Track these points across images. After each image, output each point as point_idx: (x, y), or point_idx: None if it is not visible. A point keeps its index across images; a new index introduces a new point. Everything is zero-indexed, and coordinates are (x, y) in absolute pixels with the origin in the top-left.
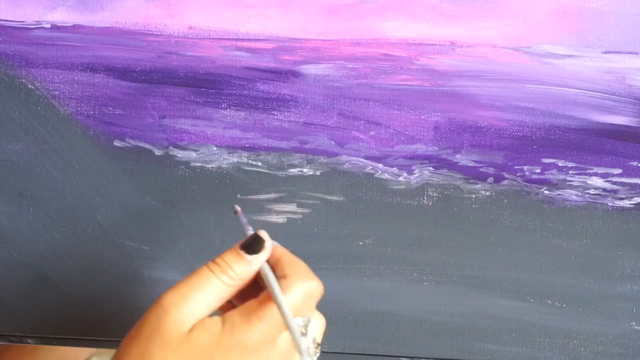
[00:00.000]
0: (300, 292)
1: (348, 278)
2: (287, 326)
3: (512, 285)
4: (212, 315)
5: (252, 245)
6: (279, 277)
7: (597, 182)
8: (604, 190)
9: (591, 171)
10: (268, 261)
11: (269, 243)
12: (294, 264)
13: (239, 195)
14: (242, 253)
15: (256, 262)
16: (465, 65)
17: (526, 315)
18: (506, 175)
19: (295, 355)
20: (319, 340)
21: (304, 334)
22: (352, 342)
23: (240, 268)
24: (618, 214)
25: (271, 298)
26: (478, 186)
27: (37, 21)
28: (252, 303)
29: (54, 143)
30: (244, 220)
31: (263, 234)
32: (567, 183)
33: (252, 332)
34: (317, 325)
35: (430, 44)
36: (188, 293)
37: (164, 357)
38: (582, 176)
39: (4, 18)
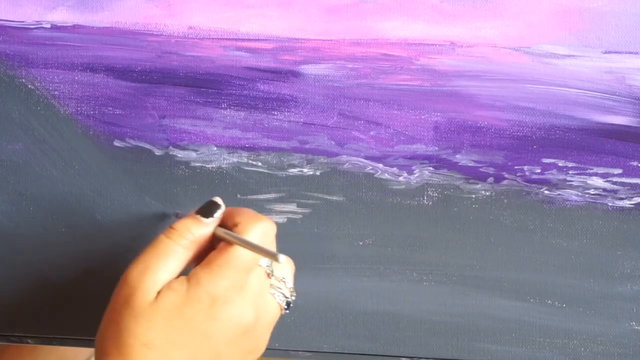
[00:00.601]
0: (255, 232)
1: (348, 278)
2: (251, 247)
3: (512, 285)
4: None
5: (209, 209)
6: (230, 226)
7: (597, 182)
8: (604, 190)
9: (591, 171)
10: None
11: (223, 207)
12: (241, 212)
13: (239, 195)
14: (199, 217)
15: (212, 223)
16: (465, 65)
17: (526, 315)
18: (506, 175)
19: (267, 295)
20: (290, 281)
21: (270, 275)
22: (352, 342)
23: (197, 230)
24: (618, 214)
25: (229, 245)
26: (478, 186)
27: (37, 21)
28: (212, 254)
29: (54, 143)
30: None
31: (217, 199)
32: (567, 183)
33: (217, 280)
34: (284, 267)
35: (430, 44)
36: (150, 263)
37: (137, 326)
38: (582, 176)
39: (4, 18)
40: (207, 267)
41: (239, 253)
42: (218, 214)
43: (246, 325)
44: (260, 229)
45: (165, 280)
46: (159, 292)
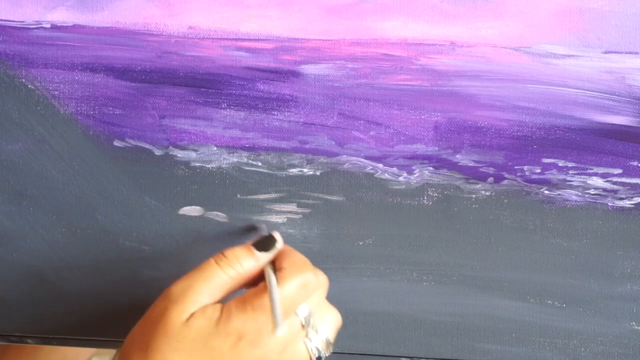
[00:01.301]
0: (294, 282)
1: (348, 278)
2: (272, 309)
3: (512, 285)
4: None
5: (265, 244)
6: (276, 269)
7: (597, 182)
8: (604, 190)
9: (591, 171)
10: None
11: (279, 244)
12: (291, 257)
13: (239, 195)
14: (253, 249)
15: (263, 258)
16: (465, 65)
17: (526, 315)
18: (506, 175)
19: (299, 342)
20: (330, 337)
21: (305, 326)
22: (352, 342)
23: (247, 262)
24: (618, 214)
25: (266, 290)
26: (478, 186)
27: (37, 21)
28: (249, 292)
29: (54, 143)
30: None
31: (277, 235)
32: (567, 183)
33: (247, 320)
34: (326, 320)
35: (430, 44)
36: (192, 284)
37: (165, 343)
38: (582, 176)
39: (4, 18)
40: (242, 304)
41: (289, 301)
42: (272, 252)
43: None
44: (300, 282)
45: (202, 302)
46: (192, 314)
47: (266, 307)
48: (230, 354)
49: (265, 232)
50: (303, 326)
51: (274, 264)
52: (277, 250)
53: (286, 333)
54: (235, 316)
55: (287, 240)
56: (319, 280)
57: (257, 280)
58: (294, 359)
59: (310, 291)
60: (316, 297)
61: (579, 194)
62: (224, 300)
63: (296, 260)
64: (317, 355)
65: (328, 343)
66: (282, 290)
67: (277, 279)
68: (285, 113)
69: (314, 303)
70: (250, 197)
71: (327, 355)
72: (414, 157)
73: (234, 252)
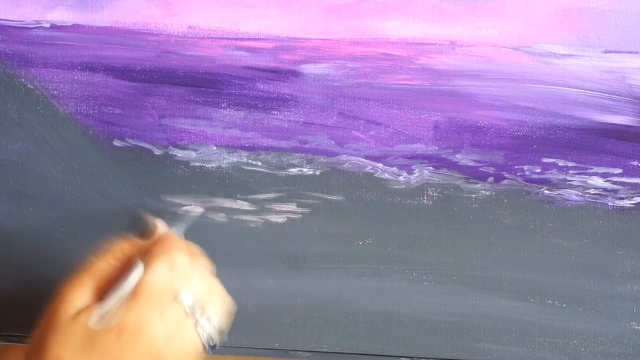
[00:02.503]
0: (159, 266)
1: (348, 278)
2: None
3: (512, 285)
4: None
5: (140, 229)
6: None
7: (598, 182)
8: (605, 190)
9: (591, 171)
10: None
11: (157, 228)
12: (164, 240)
13: (239, 195)
14: (132, 237)
15: (140, 244)
16: (465, 65)
17: (526, 315)
18: (506, 175)
19: (189, 328)
20: (222, 325)
21: (191, 314)
22: (352, 342)
23: (125, 249)
24: (618, 214)
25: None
26: (478, 186)
27: (36, 21)
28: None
29: (54, 143)
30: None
31: (156, 221)
32: (568, 183)
33: (128, 314)
34: (217, 308)
35: (430, 43)
36: (78, 279)
37: (54, 339)
38: (582, 176)
39: (3, 18)
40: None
41: (148, 289)
42: (147, 235)
43: (156, 353)
44: (165, 264)
45: (89, 299)
46: (79, 312)
47: (141, 297)
48: (116, 347)
49: (150, 222)
50: (187, 314)
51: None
52: (154, 235)
53: (169, 321)
54: None
55: (287, 240)
56: (192, 262)
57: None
58: (184, 348)
59: (181, 272)
60: (202, 283)
61: (580, 194)
62: None
63: (167, 244)
64: (211, 345)
65: (221, 331)
66: (149, 277)
67: (146, 265)
68: (285, 113)
69: (201, 289)
70: (250, 197)
71: (220, 344)
72: (414, 157)
73: (120, 245)
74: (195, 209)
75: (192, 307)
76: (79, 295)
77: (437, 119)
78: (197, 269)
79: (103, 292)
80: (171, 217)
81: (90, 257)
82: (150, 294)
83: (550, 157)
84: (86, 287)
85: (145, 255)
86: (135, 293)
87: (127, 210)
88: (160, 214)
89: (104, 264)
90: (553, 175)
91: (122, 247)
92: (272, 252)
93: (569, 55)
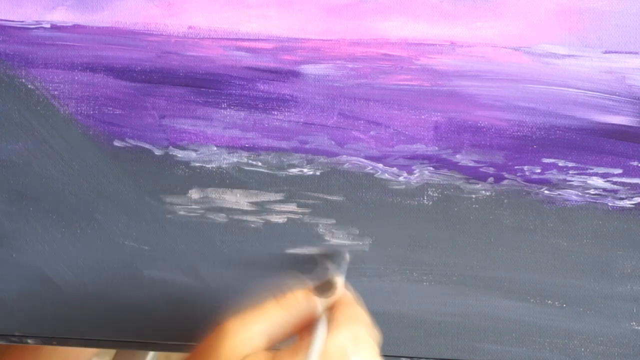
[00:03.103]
0: (344, 335)
1: (348, 278)
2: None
3: (512, 285)
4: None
5: (325, 289)
6: (330, 319)
7: (598, 182)
8: (604, 190)
9: (591, 171)
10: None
11: (340, 291)
12: (348, 307)
13: (238, 195)
14: (312, 294)
15: (321, 306)
16: (465, 65)
17: (526, 315)
18: (506, 175)
19: None
20: None
21: None
22: None
23: (305, 307)
24: (618, 214)
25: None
26: (478, 186)
27: (37, 21)
28: (301, 343)
29: (54, 143)
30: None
31: (338, 280)
32: (567, 183)
33: None
34: None
35: (430, 44)
36: (249, 323)
37: None
38: (582, 176)
39: (4, 18)
40: (293, 353)
41: (327, 351)
42: (330, 298)
43: None
44: (351, 335)
45: (259, 343)
46: (246, 357)
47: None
48: None
49: (329, 274)
50: None
51: (330, 311)
52: (335, 297)
53: None
54: None
55: (287, 240)
56: (370, 337)
57: (312, 326)
58: None
59: (361, 347)
60: (368, 354)
61: (579, 194)
62: (277, 345)
63: (352, 312)
64: None
65: None
66: (330, 341)
67: (328, 328)
68: (285, 113)
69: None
70: (250, 197)
71: None
72: (414, 157)
73: (295, 293)
74: (347, 254)
75: None
76: (246, 335)
77: (437, 119)
78: (370, 343)
79: (272, 339)
80: (337, 262)
81: (260, 296)
82: (325, 357)
83: (550, 157)
84: (255, 328)
85: (327, 316)
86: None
87: (127, 209)
88: (329, 256)
89: (276, 308)
90: (553, 175)
91: (297, 296)
92: (272, 252)
93: (569, 56)
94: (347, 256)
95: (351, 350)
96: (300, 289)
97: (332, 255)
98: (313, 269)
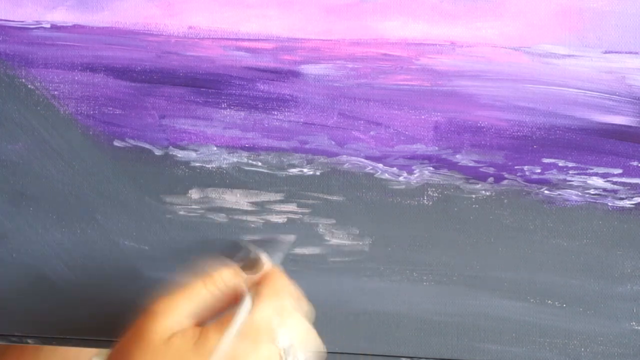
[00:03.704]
0: (267, 308)
1: (348, 278)
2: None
3: (512, 285)
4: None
5: (251, 265)
6: (257, 293)
7: (598, 182)
8: (604, 190)
9: (591, 171)
10: None
11: (266, 266)
12: (274, 281)
13: (238, 195)
14: (239, 270)
15: (246, 282)
16: (465, 65)
17: (526, 315)
18: (506, 175)
19: None
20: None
21: (284, 356)
22: (352, 342)
23: (232, 283)
24: (618, 214)
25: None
26: (478, 186)
27: (37, 21)
28: (227, 318)
29: (54, 143)
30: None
31: (264, 257)
32: (568, 183)
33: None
34: (309, 354)
35: (430, 44)
36: (176, 302)
37: (141, 358)
38: (582, 176)
39: (4, 18)
40: (219, 327)
41: (250, 325)
42: (257, 274)
43: None
44: (274, 307)
45: (186, 323)
46: (173, 334)
47: (247, 331)
48: None
49: (253, 253)
50: (281, 356)
51: (256, 286)
52: (262, 272)
53: (263, 357)
54: (212, 339)
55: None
56: (297, 308)
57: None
58: None
59: (287, 319)
60: (299, 327)
61: (579, 194)
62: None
63: (277, 285)
64: None
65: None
66: (255, 315)
67: (253, 302)
68: (285, 113)
69: (298, 333)
70: (250, 197)
71: None
72: (414, 157)
73: (221, 272)
74: (288, 236)
75: (287, 350)
76: (173, 316)
77: (437, 119)
78: (297, 313)
79: (200, 318)
80: (270, 246)
81: (186, 277)
82: (251, 331)
83: (550, 157)
84: (182, 309)
85: (252, 291)
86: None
87: (127, 209)
88: (260, 243)
89: (202, 288)
90: (553, 176)
91: (223, 275)
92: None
93: (569, 56)
94: (286, 238)
95: (277, 323)
96: (226, 267)
97: (266, 242)
98: (237, 253)
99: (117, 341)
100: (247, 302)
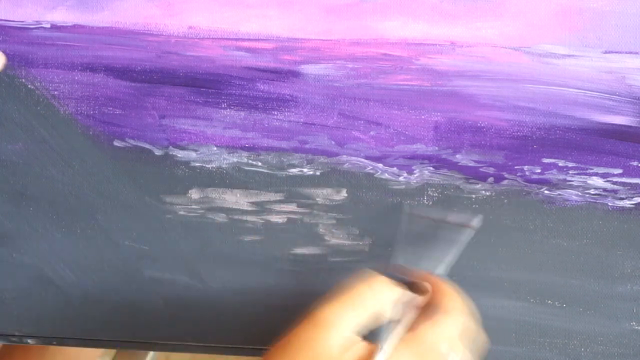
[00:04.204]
0: (455, 326)
1: (348, 278)
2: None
3: (512, 285)
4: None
5: (416, 289)
6: (434, 303)
7: (598, 182)
8: (604, 190)
9: (591, 171)
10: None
11: (429, 293)
12: (456, 298)
13: (238, 195)
14: (405, 290)
15: (411, 301)
16: (465, 65)
17: (526, 315)
18: (506, 175)
19: None
20: None
21: None
22: None
23: (395, 298)
24: (618, 214)
25: (424, 333)
26: (478, 186)
27: (37, 21)
28: (409, 336)
29: (54, 143)
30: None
31: (429, 286)
32: (568, 183)
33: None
34: None
35: (430, 44)
36: (342, 311)
37: None
38: (582, 176)
39: (4, 18)
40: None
41: (427, 339)
42: (420, 298)
43: None
44: (462, 328)
45: (351, 332)
46: (344, 349)
47: (426, 347)
48: None
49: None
50: None
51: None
52: (418, 289)
53: None
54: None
55: (287, 240)
56: (473, 334)
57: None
58: None
59: (462, 336)
60: (469, 352)
61: (579, 194)
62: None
63: (457, 300)
64: None
65: None
66: (434, 327)
67: (436, 309)
68: (285, 113)
69: (468, 358)
70: (250, 197)
71: None
72: (414, 157)
73: (387, 284)
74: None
75: None
76: (342, 328)
77: (437, 119)
78: (471, 338)
79: (364, 330)
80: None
81: (350, 283)
82: (427, 345)
83: (550, 157)
84: (349, 320)
85: (429, 307)
86: (418, 338)
87: (127, 209)
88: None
89: (368, 299)
90: (553, 176)
91: (388, 289)
92: (272, 252)
93: (569, 56)
94: (474, 223)
95: (451, 339)
96: (394, 282)
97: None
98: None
99: (275, 346)
100: (405, 319)
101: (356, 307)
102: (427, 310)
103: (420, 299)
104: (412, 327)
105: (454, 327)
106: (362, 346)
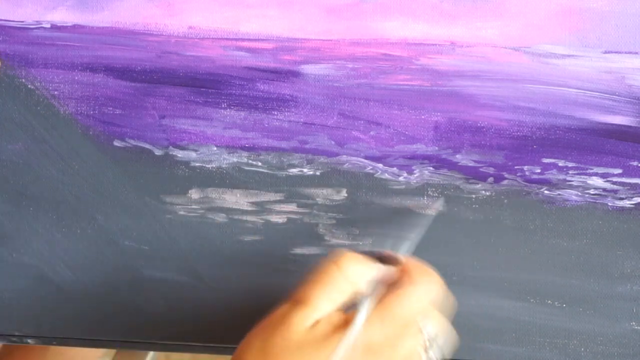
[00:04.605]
0: (423, 290)
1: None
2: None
3: (512, 285)
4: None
5: (389, 260)
6: (403, 272)
7: (597, 182)
8: (604, 190)
9: (591, 171)
10: None
11: (402, 262)
12: (421, 266)
13: (239, 195)
14: (376, 262)
15: (384, 271)
16: (465, 65)
17: (526, 315)
18: (506, 175)
19: (419, 357)
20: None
21: (428, 347)
22: None
23: (369, 273)
24: (618, 214)
25: (393, 297)
26: (478, 186)
27: (37, 21)
28: (385, 301)
29: (54, 143)
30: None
31: (400, 256)
32: (567, 183)
33: (373, 331)
34: (448, 345)
35: (430, 44)
36: (316, 289)
37: (285, 348)
38: (582, 176)
39: (4, 18)
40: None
41: (402, 309)
42: (394, 267)
43: None
44: (430, 292)
45: (327, 310)
46: (317, 321)
47: (396, 318)
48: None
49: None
50: (425, 346)
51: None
52: (393, 262)
53: (406, 348)
54: (364, 327)
55: (287, 240)
56: (443, 299)
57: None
58: None
59: (433, 309)
60: (442, 318)
61: (579, 194)
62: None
63: (427, 270)
64: None
65: None
66: (407, 297)
67: (404, 281)
68: (285, 113)
69: (440, 324)
70: (250, 197)
71: None
72: (414, 157)
73: (359, 259)
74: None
75: (431, 340)
76: (315, 305)
77: (437, 119)
78: (442, 305)
79: (338, 304)
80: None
81: (322, 263)
82: (400, 315)
83: (550, 157)
84: (323, 297)
85: (403, 277)
86: (388, 309)
87: (127, 209)
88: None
89: (340, 277)
90: (553, 176)
91: (357, 261)
92: (272, 252)
93: (569, 56)
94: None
95: (425, 308)
96: (364, 256)
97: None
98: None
99: (252, 330)
100: (371, 297)
101: (327, 283)
102: (397, 283)
103: (392, 271)
104: (383, 299)
105: (425, 296)
106: (338, 315)
